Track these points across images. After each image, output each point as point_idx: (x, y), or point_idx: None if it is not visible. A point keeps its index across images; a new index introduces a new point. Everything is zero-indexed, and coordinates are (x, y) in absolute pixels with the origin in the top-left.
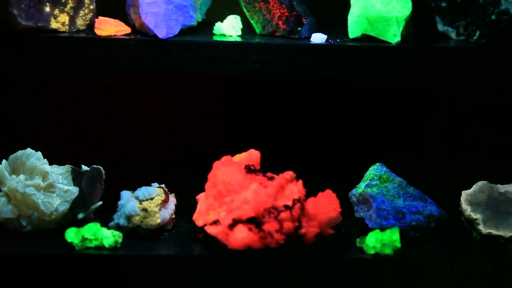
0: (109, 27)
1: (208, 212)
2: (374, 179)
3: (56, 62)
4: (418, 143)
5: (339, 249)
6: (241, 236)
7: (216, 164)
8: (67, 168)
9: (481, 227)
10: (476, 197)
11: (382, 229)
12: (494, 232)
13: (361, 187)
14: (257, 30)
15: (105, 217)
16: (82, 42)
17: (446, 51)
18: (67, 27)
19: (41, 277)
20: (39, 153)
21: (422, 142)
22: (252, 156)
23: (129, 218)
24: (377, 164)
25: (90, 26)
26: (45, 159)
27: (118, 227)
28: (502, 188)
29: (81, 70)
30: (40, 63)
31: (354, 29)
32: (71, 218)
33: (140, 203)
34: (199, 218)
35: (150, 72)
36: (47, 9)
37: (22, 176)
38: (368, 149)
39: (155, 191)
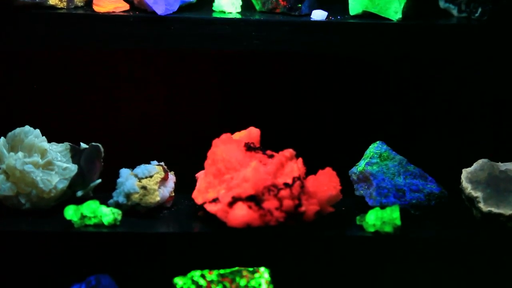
0: (108, 3)
1: (208, 190)
2: (375, 157)
3: (54, 39)
4: (419, 120)
5: (339, 227)
6: (241, 214)
7: (216, 141)
8: (66, 145)
9: (481, 205)
10: (476, 175)
11: (382, 207)
12: (494, 210)
13: (361, 165)
14: (257, 7)
15: (104, 195)
16: (80, 18)
17: (447, 28)
18: (65, 3)
19: (40, 255)
20: (38, 131)
21: (423, 120)
22: (252, 133)
23: (128, 196)
24: (378, 142)
25: (88, 2)
26: (44, 137)
27: (117, 205)
28: (502, 166)
29: (80, 47)
30: (37, 40)
31: (355, 6)
32: (70, 196)
33: (139, 181)
34: (198, 196)
35: (149, 49)
36: None
37: (20, 154)
38: (368, 127)
39: (154, 169)
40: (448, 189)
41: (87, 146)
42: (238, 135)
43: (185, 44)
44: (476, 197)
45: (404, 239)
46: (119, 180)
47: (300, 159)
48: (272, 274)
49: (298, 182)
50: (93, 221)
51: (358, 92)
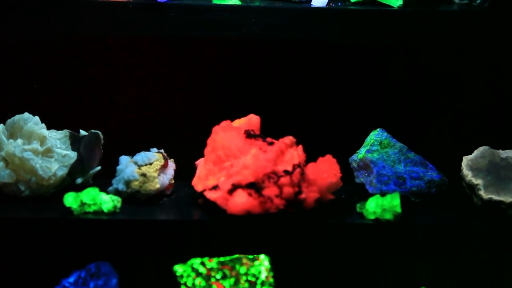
0: None
1: (208, 177)
2: (375, 144)
3: (51, 25)
4: (419, 108)
5: (339, 214)
6: (241, 201)
7: (216, 129)
8: (65, 132)
9: (482, 193)
10: (477, 163)
11: (383, 194)
12: (495, 197)
13: (361, 153)
14: None
15: (103, 182)
16: (79, 4)
17: (448, 15)
18: None
19: (40, 242)
20: (37, 118)
21: (423, 107)
22: (252, 121)
23: (127, 183)
24: (378, 129)
25: None
26: (43, 124)
27: (116, 192)
28: (503, 153)
29: (79, 34)
30: (35, 27)
31: None
32: (69, 183)
33: (139, 168)
34: (198, 183)
35: (148, 36)
36: None
37: (19, 141)
38: (369, 114)
39: (154, 156)
40: (448, 177)
41: (86, 133)
42: (238, 122)
43: (184, 30)
44: (477, 184)
45: (404, 227)
46: (118, 167)
47: (300, 146)
48: (272, 262)
49: (298, 170)
50: (92, 208)
51: (359, 79)
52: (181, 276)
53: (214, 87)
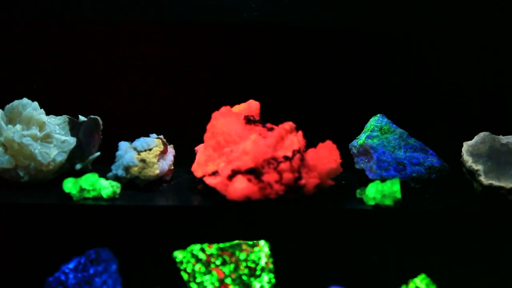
0: None
1: (207, 163)
2: (375, 130)
3: (51, 10)
4: (420, 94)
5: (339, 200)
6: (240, 187)
7: (215, 114)
8: (64, 118)
9: (482, 178)
10: (477, 148)
11: (383, 180)
12: (495, 183)
13: (361, 138)
14: None
15: (103, 168)
16: None
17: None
18: None
19: (39, 228)
20: (36, 103)
21: (424, 93)
22: (252, 106)
23: (127, 168)
24: (378, 115)
25: None
26: (42, 109)
27: (116, 178)
28: (504, 139)
29: (79, 19)
30: (34, 11)
31: None
32: (68, 169)
33: (138, 154)
34: (198, 169)
35: (148, 21)
36: None
37: (18, 126)
38: (369, 100)
39: (154, 142)
40: (449, 162)
41: (85, 119)
42: (237, 108)
43: (185, 15)
44: (477, 170)
45: (404, 212)
46: (118, 153)
47: (300, 132)
48: (272, 248)
49: (298, 155)
50: (92, 194)
51: (359, 65)
52: (181, 262)
53: (213, 73)
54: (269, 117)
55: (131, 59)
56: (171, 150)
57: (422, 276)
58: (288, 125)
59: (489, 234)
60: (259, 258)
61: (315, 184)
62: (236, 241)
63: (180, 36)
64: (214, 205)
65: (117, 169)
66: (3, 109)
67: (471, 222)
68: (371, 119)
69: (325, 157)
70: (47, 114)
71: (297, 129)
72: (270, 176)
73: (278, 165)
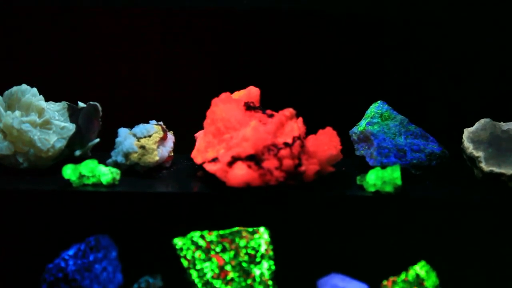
0: None
1: (207, 150)
2: (375, 116)
3: None
4: (420, 80)
5: (339, 186)
6: (240, 174)
7: (215, 101)
8: (63, 104)
9: (483, 165)
10: (478, 135)
11: (383, 167)
12: (496, 169)
13: (362, 125)
14: None
15: (102, 154)
16: None
17: None
18: None
19: (38, 215)
20: (35, 89)
21: (424, 79)
22: (252, 93)
23: (126, 155)
24: (379, 101)
25: None
26: (41, 95)
27: (115, 164)
28: (505, 125)
29: (77, 5)
30: None
31: None
32: (68, 155)
33: (138, 141)
34: (197, 156)
35: (147, 7)
36: None
37: (17, 112)
38: (369, 86)
39: (153, 128)
40: (449, 149)
41: (85, 105)
42: (237, 94)
43: (184, 1)
44: (478, 157)
45: (404, 199)
46: (117, 139)
47: (300, 119)
48: (271, 235)
49: (298, 142)
50: (91, 180)
51: (359, 51)
52: (181, 249)
53: (213, 59)
54: (269, 103)
55: (131, 46)
56: (170, 136)
57: (422, 263)
58: (288, 111)
59: (490, 221)
60: (259, 245)
61: (315, 170)
62: (236, 228)
63: (180, 23)
64: (214, 192)
65: (116, 156)
66: (1, 95)
67: (472, 208)
68: (371, 106)
69: (325, 143)
70: (46, 100)
71: (297, 116)
72: (270, 163)
73: (278, 152)
